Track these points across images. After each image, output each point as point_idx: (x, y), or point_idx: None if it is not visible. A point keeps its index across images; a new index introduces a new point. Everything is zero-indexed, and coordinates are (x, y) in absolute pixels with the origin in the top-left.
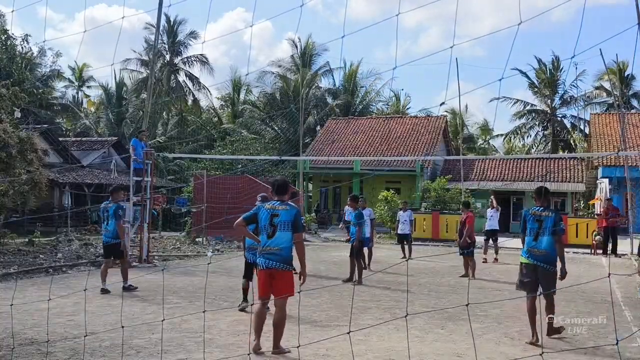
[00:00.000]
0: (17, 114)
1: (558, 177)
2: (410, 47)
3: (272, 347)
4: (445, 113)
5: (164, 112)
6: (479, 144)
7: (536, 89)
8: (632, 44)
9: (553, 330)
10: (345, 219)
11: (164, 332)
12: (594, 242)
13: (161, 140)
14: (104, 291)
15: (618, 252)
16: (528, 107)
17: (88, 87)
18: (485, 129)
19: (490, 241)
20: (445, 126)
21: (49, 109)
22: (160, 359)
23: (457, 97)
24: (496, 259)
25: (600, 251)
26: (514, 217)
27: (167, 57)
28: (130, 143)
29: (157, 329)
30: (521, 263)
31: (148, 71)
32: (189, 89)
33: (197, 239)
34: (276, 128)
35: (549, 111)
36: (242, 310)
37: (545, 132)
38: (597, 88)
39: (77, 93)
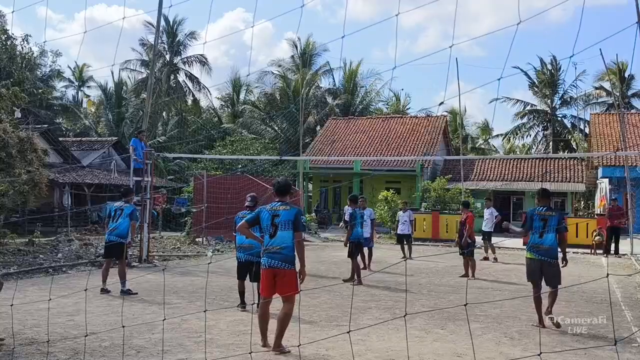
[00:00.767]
0: (17, 114)
1: (558, 177)
2: (410, 47)
3: (273, 344)
4: (445, 113)
5: (164, 112)
6: (478, 144)
7: (536, 89)
8: (632, 44)
9: (549, 312)
10: (345, 219)
11: (164, 332)
12: (594, 242)
13: (161, 140)
14: (104, 291)
15: (619, 252)
16: (528, 107)
17: (88, 87)
18: (485, 129)
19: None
20: (445, 126)
21: (49, 109)
22: (162, 359)
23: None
24: (495, 258)
25: (600, 251)
26: (514, 217)
27: (167, 57)
28: (130, 143)
29: (157, 329)
30: (527, 258)
31: (148, 71)
32: (189, 89)
33: (197, 239)
34: (276, 128)
35: (549, 111)
36: (243, 309)
37: (545, 132)
38: (597, 88)
39: (77, 93)
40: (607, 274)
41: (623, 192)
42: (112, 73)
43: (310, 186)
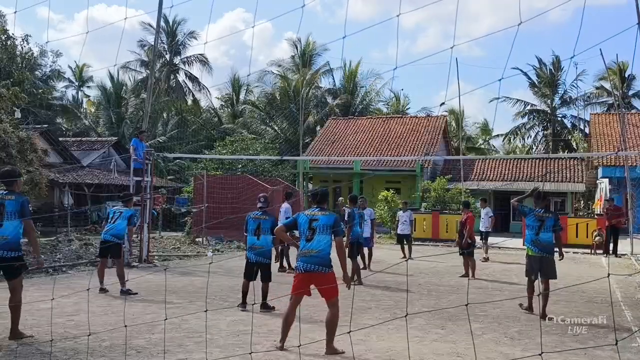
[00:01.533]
0: (17, 114)
1: (558, 177)
2: (409, 48)
3: (326, 348)
4: (445, 113)
5: (164, 112)
6: (478, 144)
7: (536, 89)
8: (632, 44)
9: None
10: (345, 219)
11: (164, 332)
12: (594, 242)
13: (161, 140)
14: (103, 290)
15: (618, 253)
16: (528, 107)
17: (88, 87)
18: (485, 129)
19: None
20: (445, 126)
21: (49, 109)
22: (162, 359)
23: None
24: (486, 258)
25: (600, 251)
26: (514, 217)
27: (167, 57)
28: (130, 143)
29: (157, 329)
30: (529, 255)
31: (148, 71)
32: (189, 89)
33: (197, 239)
34: (276, 128)
35: (549, 111)
36: (243, 309)
37: (546, 132)
38: (597, 88)
39: (77, 93)
40: (608, 274)
41: (623, 192)
42: (110, 72)
43: (310, 186)
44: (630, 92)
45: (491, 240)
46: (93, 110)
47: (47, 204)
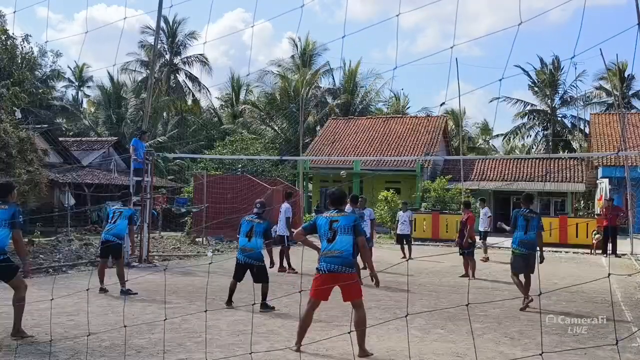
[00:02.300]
0: (17, 114)
1: (558, 177)
2: (409, 48)
3: (359, 351)
4: (445, 114)
5: (164, 112)
6: (478, 144)
7: (536, 89)
8: (632, 44)
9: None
10: None
11: (164, 332)
12: (593, 242)
13: (161, 140)
14: (103, 290)
15: (618, 252)
16: (528, 107)
17: (88, 87)
18: (485, 129)
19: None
20: (445, 126)
21: (49, 109)
22: (162, 359)
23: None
24: (487, 258)
25: (600, 251)
26: None
27: (167, 57)
28: (130, 143)
29: (157, 329)
30: (516, 254)
31: (148, 71)
32: (189, 89)
33: (197, 239)
34: (276, 128)
35: (549, 111)
36: (229, 307)
37: (546, 132)
38: (597, 88)
39: (77, 93)
40: (609, 274)
41: (623, 192)
42: (109, 73)
43: (310, 186)
44: (630, 92)
45: (491, 240)
46: (93, 110)
47: (47, 204)
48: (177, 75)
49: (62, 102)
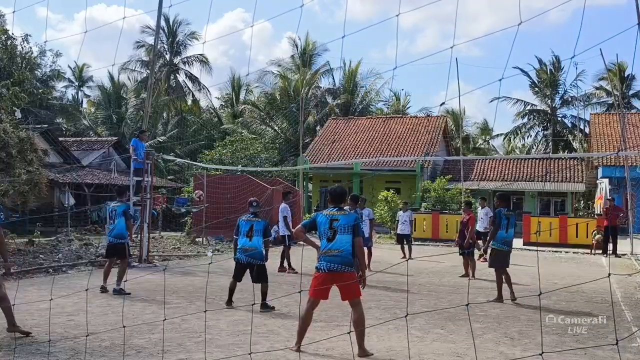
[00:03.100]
0: (17, 114)
1: (558, 177)
2: (408, 48)
3: (358, 351)
4: (446, 114)
5: (164, 112)
6: (478, 144)
7: (537, 89)
8: (632, 44)
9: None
10: None
11: (164, 332)
12: (593, 242)
13: (161, 140)
14: (104, 289)
15: (618, 252)
16: (528, 107)
17: (88, 87)
18: (485, 129)
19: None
20: (445, 126)
21: (49, 109)
22: (162, 359)
23: (456, 97)
24: (485, 258)
25: (600, 251)
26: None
27: (167, 57)
28: (130, 143)
29: (157, 329)
30: (500, 251)
31: (148, 71)
32: (189, 89)
33: (197, 239)
34: (276, 128)
35: (549, 111)
36: (229, 307)
37: (546, 132)
38: (597, 88)
39: (77, 93)
40: (609, 274)
41: (623, 192)
42: (110, 72)
43: (310, 186)
44: (630, 92)
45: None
46: (93, 110)
47: (47, 204)
48: (177, 75)
49: (62, 102)
